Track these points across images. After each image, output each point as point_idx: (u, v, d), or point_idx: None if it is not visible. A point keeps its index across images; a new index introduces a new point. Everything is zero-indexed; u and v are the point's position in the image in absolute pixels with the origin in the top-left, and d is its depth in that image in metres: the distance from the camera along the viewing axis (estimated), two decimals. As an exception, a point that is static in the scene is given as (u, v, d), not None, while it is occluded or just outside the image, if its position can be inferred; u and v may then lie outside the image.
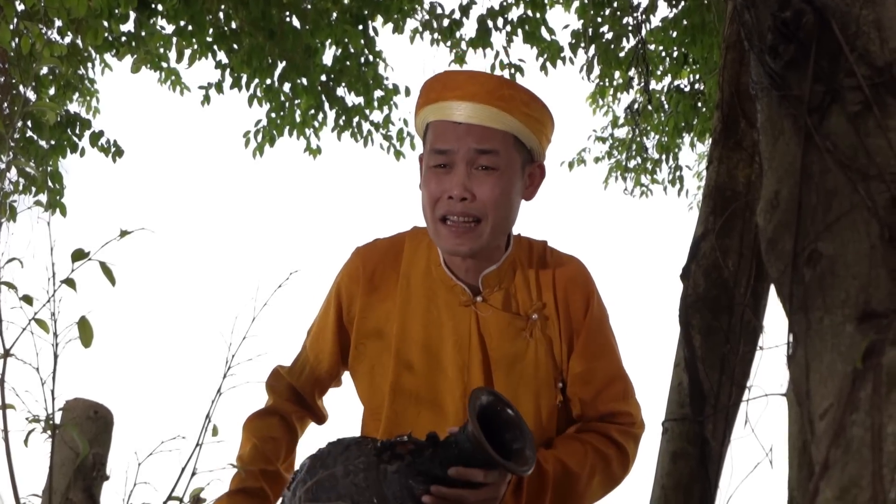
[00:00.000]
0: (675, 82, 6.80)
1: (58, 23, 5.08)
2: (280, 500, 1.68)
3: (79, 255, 1.49)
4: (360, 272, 1.81)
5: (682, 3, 5.90)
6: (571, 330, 1.77)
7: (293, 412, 1.86)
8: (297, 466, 1.65)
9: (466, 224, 1.66)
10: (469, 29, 6.00)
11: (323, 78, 6.00)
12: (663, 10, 7.26)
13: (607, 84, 6.98)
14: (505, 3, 5.72)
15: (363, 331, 1.80)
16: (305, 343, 1.90)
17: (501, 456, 1.44)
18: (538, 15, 5.75)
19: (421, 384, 1.73)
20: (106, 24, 5.12)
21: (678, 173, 7.58)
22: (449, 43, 5.87)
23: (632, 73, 6.27)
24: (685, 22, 5.92)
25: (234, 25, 5.64)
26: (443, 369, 1.73)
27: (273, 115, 6.23)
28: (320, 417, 1.91)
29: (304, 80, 5.90)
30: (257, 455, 1.78)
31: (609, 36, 5.92)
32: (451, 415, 1.72)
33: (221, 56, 5.84)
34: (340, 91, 6.14)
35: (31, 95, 5.56)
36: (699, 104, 6.66)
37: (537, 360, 1.74)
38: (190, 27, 5.46)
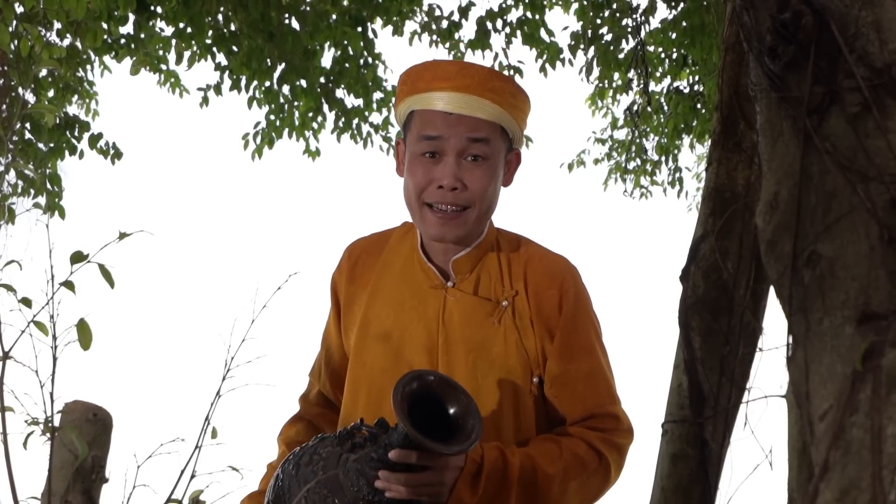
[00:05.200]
0: (675, 84, 6.80)
1: (57, 25, 5.07)
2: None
3: (78, 258, 1.49)
4: (345, 264, 1.86)
5: (682, 5, 5.90)
6: (546, 326, 1.72)
7: (319, 415, 1.89)
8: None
9: (454, 211, 1.67)
10: (468, 30, 6.02)
11: (322, 80, 6.00)
12: (662, 12, 7.28)
13: (607, 86, 6.98)
14: (504, 5, 5.72)
15: (348, 322, 1.83)
16: (320, 343, 1.94)
17: (448, 432, 1.44)
18: (537, 16, 5.74)
19: (388, 365, 1.72)
20: (105, 26, 5.12)
21: (677, 175, 7.58)
22: (448, 44, 5.87)
23: (631, 74, 6.27)
24: (684, 23, 5.92)
25: (233, 27, 5.64)
26: (411, 351, 1.72)
27: (272, 116, 6.23)
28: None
29: (304, 82, 5.90)
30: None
31: (608, 37, 5.92)
32: None
33: (220, 58, 5.84)
34: (340, 93, 6.14)
35: (30, 98, 5.56)
36: (698, 106, 6.66)
37: (507, 348, 1.71)
38: (189, 29, 5.46)
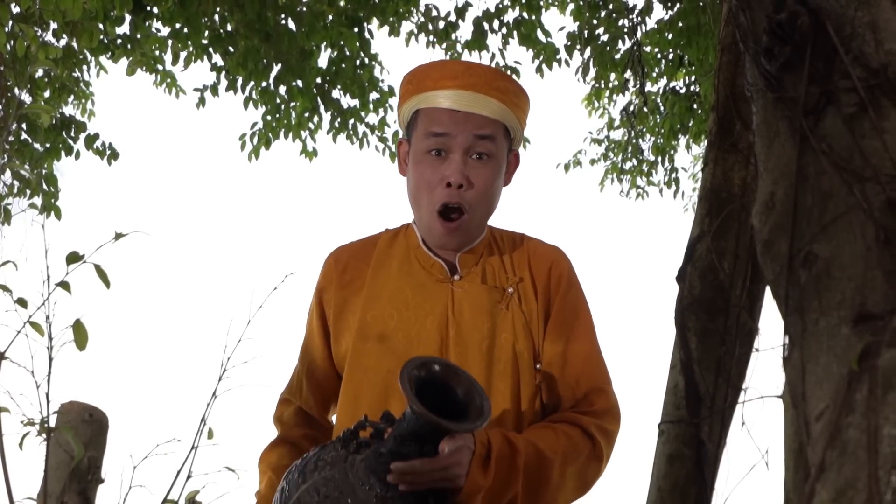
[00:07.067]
0: (671, 84, 6.80)
1: (53, 25, 5.07)
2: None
3: (73, 258, 1.48)
4: (333, 270, 1.82)
5: (678, 5, 5.90)
6: (546, 309, 1.75)
7: (302, 436, 1.82)
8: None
9: (457, 218, 1.70)
10: (465, 31, 6.01)
11: (318, 80, 6.00)
12: (659, 13, 7.27)
13: (603, 86, 6.98)
14: (501, 6, 5.72)
15: (340, 328, 1.78)
16: (298, 359, 1.87)
17: (459, 413, 1.41)
18: (534, 17, 5.75)
19: (395, 366, 1.66)
20: (101, 26, 5.11)
21: (674, 175, 7.58)
22: (445, 45, 5.87)
23: (627, 75, 6.27)
24: (681, 24, 5.92)
25: (229, 28, 5.63)
26: (421, 348, 1.70)
27: (268, 117, 6.22)
28: (331, 434, 1.85)
29: (300, 83, 5.90)
30: (275, 486, 1.72)
31: (605, 38, 5.92)
32: None
33: (217, 58, 5.84)
34: (336, 93, 6.14)
35: (26, 98, 5.55)
36: (695, 106, 6.66)
37: (515, 333, 1.72)
38: (185, 29, 5.45)
